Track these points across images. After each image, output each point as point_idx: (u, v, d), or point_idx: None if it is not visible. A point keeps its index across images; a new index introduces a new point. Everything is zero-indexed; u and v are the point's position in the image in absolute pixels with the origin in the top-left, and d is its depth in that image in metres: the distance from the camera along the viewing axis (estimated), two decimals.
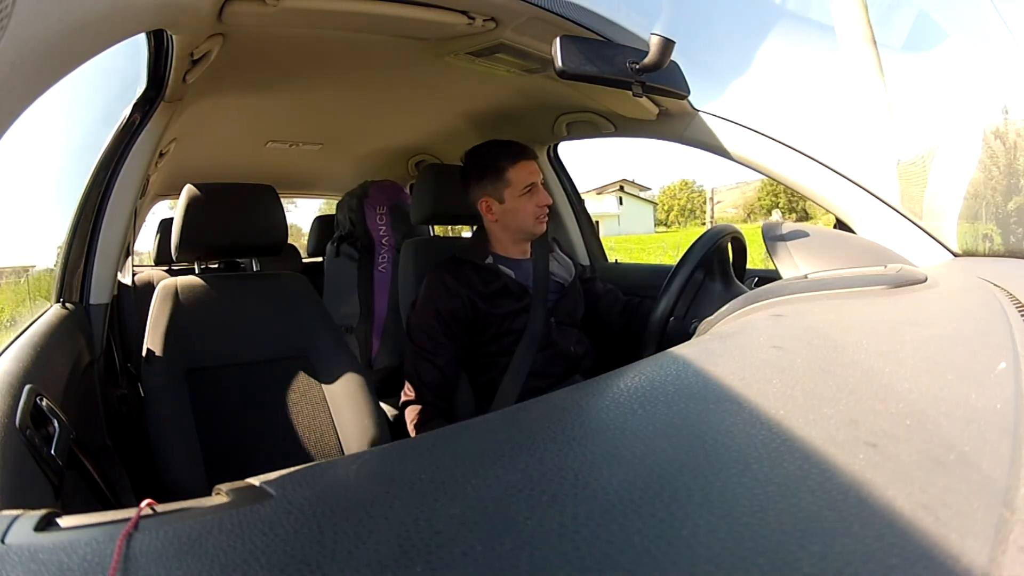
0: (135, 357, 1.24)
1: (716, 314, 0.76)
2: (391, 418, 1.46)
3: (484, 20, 1.01)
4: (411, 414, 1.19)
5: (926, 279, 0.73)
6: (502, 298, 1.23)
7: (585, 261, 1.82)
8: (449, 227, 2.24)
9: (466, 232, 2.11)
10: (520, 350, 1.22)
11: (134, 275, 2.13)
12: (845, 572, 0.23)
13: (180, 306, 1.13)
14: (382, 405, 1.76)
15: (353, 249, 1.98)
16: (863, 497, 0.28)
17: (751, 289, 1.02)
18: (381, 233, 1.98)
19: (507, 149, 1.25)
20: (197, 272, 1.23)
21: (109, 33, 0.56)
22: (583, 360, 1.30)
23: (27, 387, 0.59)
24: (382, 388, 1.86)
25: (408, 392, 1.20)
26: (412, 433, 1.17)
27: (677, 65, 1.04)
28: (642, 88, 0.93)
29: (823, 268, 0.82)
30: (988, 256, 1.03)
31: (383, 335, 1.89)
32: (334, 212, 2.46)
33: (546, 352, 1.24)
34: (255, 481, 0.33)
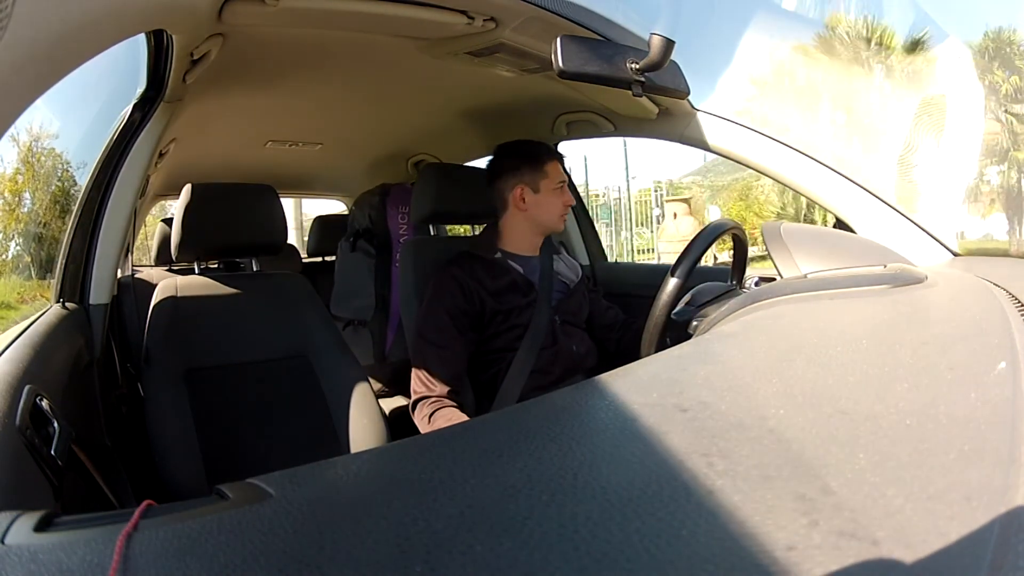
0: (135, 357, 1.24)
1: (716, 313, 0.76)
2: (391, 418, 1.46)
3: (484, 20, 1.01)
4: (424, 408, 1.17)
5: (926, 278, 0.73)
6: (509, 293, 1.24)
7: (584, 261, 1.82)
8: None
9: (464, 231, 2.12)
10: (523, 347, 1.22)
11: (133, 274, 2.13)
12: (846, 571, 0.23)
13: (180, 306, 1.13)
14: (393, 399, 1.77)
15: (370, 245, 2.01)
16: (863, 496, 0.28)
17: (751, 289, 1.02)
18: (402, 232, 2.01)
19: (545, 146, 1.34)
20: (197, 272, 1.23)
21: (109, 33, 0.56)
22: (586, 359, 1.30)
23: (27, 387, 0.59)
24: (395, 379, 1.88)
25: (418, 388, 1.19)
26: (425, 426, 1.15)
27: (677, 65, 1.03)
28: (642, 88, 0.92)
29: (823, 268, 0.82)
30: (988, 256, 1.03)
31: (398, 328, 1.91)
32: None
33: (549, 350, 1.24)
34: (255, 481, 0.33)
